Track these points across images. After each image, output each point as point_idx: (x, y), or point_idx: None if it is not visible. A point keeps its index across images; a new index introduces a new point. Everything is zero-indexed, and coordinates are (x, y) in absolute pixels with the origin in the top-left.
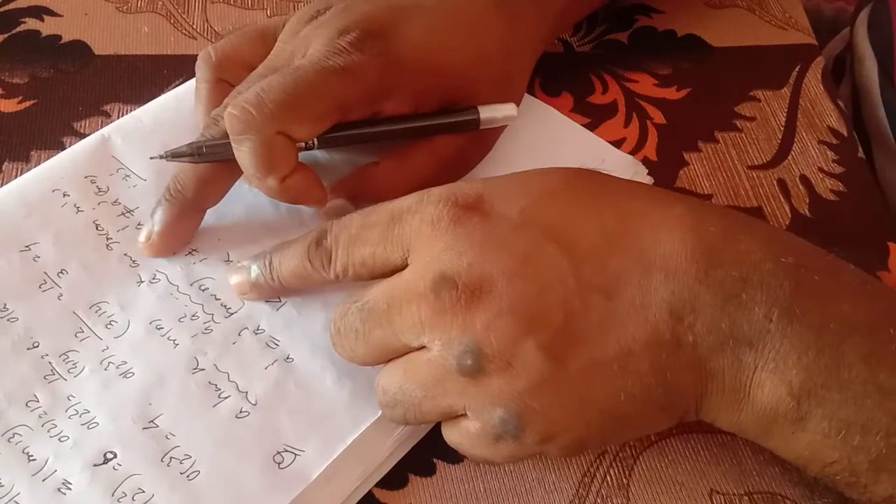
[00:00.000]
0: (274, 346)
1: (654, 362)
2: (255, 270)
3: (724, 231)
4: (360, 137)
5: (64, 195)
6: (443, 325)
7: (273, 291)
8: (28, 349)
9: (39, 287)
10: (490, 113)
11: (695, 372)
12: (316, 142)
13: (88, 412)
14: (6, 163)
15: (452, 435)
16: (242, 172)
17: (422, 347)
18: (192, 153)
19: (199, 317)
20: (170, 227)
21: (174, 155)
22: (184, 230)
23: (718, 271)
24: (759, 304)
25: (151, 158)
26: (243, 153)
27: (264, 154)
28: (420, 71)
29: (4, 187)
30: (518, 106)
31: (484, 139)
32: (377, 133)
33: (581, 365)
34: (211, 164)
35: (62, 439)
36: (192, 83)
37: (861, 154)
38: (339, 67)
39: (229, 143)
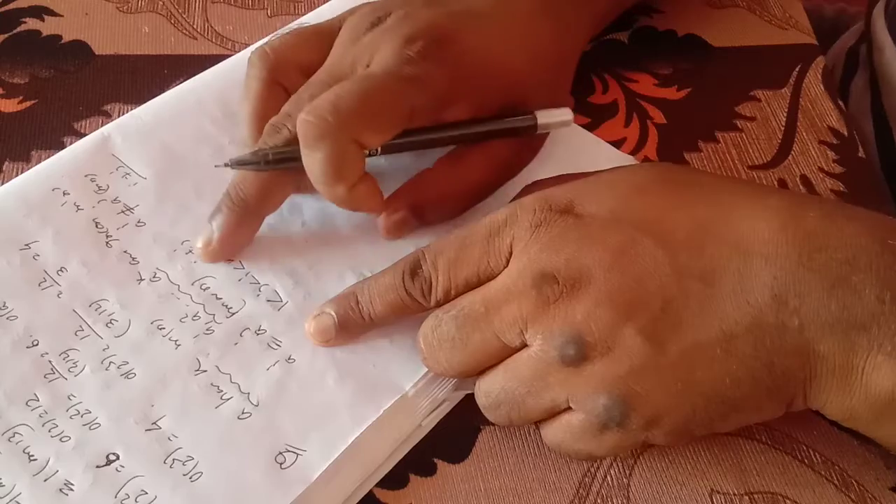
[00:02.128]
0: (276, 346)
1: (758, 346)
2: (334, 314)
3: (825, 216)
4: (423, 144)
5: (64, 194)
6: (544, 320)
7: (363, 330)
8: (28, 348)
9: (39, 285)
10: (547, 118)
11: (802, 355)
12: (379, 149)
13: (90, 412)
14: (6, 162)
15: (554, 433)
16: (303, 179)
17: (521, 347)
18: (258, 161)
19: (200, 317)
20: (230, 234)
21: (238, 163)
22: (243, 237)
23: (822, 255)
24: (869, 286)
25: (216, 167)
26: (315, 160)
27: (337, 162)
28: (483, 78)
29: (4, 186)
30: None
31: (534, 141)
32: (440, 139)
33: (682, 349)
34: (274, 171)
35: (63, 439)
36: (191, 82)
37: (861, 154)
38: (410, 76)
39: (296, 151)
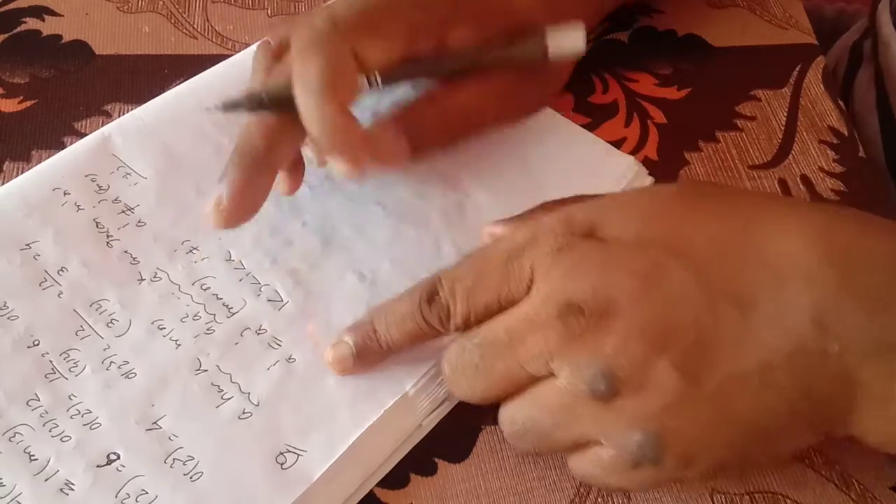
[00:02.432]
0: (276, 346)
1: (797, 374)
2: (352, 344)
3: (859, 233)
4: (425, 71)
5: (64, 194)
6: (572, 352)
7: (381, 358)
8: (28, 347)
9: (40, 285)
10: (557, 40)
11: (842, 382)
12: (380, 79)
13: (90, 412)
14: (7, 162)
15: (584, 465)
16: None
17: (548, 376)
18: (250, 101)
19: (200, 317)
20: (241, 190)
21: (230, 105)
22: (256, 193)
23: (862, 276)
24: None
25: (206, 109)
26: (310, 71)
27: (333, 73)
28: (487, 3)
29: (4, 186)
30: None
31: (542, 78)
32: (443, 65)
33: (718, 381)
34: (279, 114)
35: (64, 439)
36: (191, 82)
37: (862, 153)
38: None
39: (290, 88)
